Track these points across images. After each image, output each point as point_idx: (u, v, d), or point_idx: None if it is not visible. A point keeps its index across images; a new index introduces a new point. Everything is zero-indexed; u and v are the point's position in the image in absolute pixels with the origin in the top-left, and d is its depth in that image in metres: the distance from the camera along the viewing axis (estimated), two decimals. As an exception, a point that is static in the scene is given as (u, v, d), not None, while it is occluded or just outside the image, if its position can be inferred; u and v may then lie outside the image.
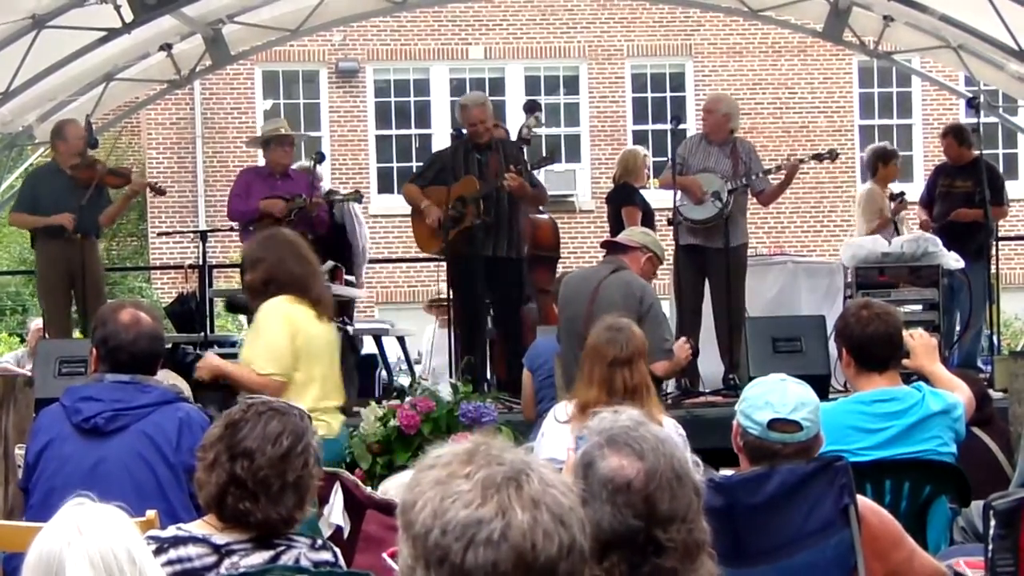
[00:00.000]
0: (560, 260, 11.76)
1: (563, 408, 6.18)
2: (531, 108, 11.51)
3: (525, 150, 11.04)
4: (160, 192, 11.50)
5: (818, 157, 10.83)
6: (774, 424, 4.29)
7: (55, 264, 10.49)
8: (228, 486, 3.67)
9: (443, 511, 2.18)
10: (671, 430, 5.69)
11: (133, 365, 4.97)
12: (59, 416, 4.95)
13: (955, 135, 11.61)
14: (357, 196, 11.84)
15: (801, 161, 10.74)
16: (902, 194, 11.87)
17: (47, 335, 10.60)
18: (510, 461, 2.21)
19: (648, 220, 10.79)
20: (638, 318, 7.76)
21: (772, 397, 4.34)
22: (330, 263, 11.82)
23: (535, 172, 10.45)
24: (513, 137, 11.28)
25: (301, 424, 3.75)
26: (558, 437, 5.85)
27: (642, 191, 11.38)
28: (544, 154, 10.32)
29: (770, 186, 10.51)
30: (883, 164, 11.93)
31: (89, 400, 4.90)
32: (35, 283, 14.63)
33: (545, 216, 11.41)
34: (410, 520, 2.20)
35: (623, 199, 11.23)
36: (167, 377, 5.80)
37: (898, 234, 11.26)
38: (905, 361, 5.63)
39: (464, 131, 10.23)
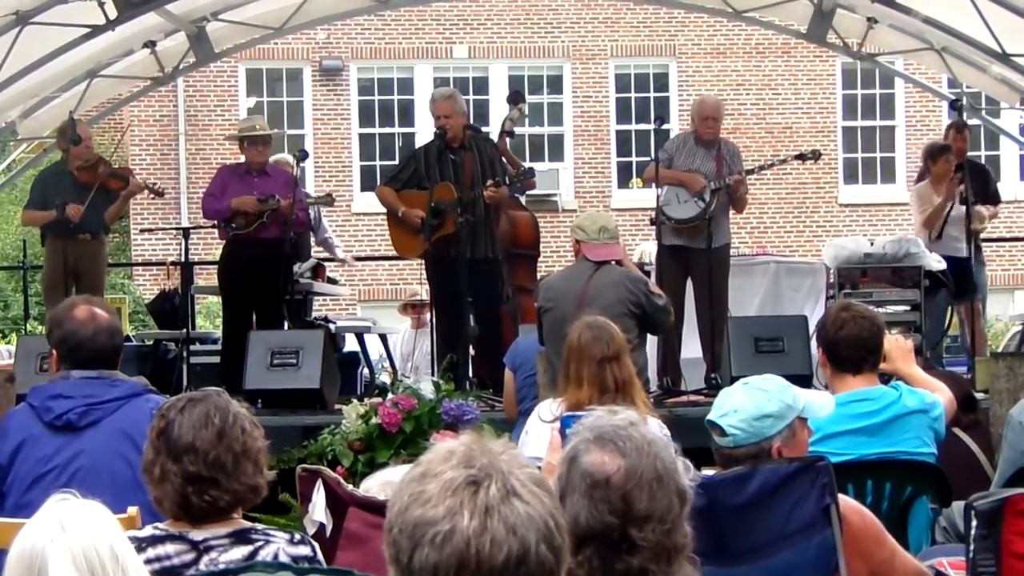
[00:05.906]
0: (540, 257, 11.52)
1: (548, 407, 6.13)
2: (515, 99, 11.40)
3: (508, 142, 10.98)
4: (159, 194, 11.48)
5: (801, 157, 10.87)
6: (711, 424, 4.33)
7: (60, 262, 10.52)
8: (186, 487, 3.65)
9: (404, 509, 2.18)
10: (655, 429, 5.68)
11: (95, 361, 4.93)
12: (28, 416, 4.91)
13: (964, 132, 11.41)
14: (328, 199, 11.81)
15: (751, 171, 10.72)
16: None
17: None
18: (484, 464, 2.18)
19: None
20: (637, 303, 7.78)
21: (721, 398, 4.39)
22: (313, 260, 11.84)
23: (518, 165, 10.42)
24: (496, 130, 11.19)
25: (220, 399, 3.77)
26: (542, 436, 5.84)
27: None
28: (524, 172, 10.25)
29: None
30: (932, 162, 11.35)
31: (59, 398, 4.87)
32: (19, 278, 14.61)
33: (525, 212, 11.20)
34: (387, 516, 2.22)
35: None
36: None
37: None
38: (881, 364, 5.63)
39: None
